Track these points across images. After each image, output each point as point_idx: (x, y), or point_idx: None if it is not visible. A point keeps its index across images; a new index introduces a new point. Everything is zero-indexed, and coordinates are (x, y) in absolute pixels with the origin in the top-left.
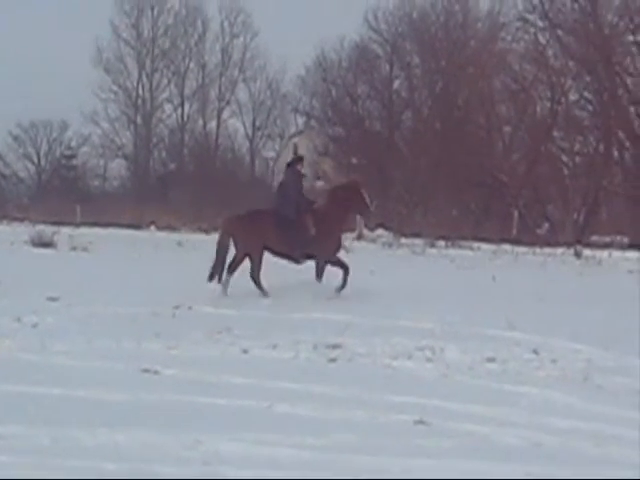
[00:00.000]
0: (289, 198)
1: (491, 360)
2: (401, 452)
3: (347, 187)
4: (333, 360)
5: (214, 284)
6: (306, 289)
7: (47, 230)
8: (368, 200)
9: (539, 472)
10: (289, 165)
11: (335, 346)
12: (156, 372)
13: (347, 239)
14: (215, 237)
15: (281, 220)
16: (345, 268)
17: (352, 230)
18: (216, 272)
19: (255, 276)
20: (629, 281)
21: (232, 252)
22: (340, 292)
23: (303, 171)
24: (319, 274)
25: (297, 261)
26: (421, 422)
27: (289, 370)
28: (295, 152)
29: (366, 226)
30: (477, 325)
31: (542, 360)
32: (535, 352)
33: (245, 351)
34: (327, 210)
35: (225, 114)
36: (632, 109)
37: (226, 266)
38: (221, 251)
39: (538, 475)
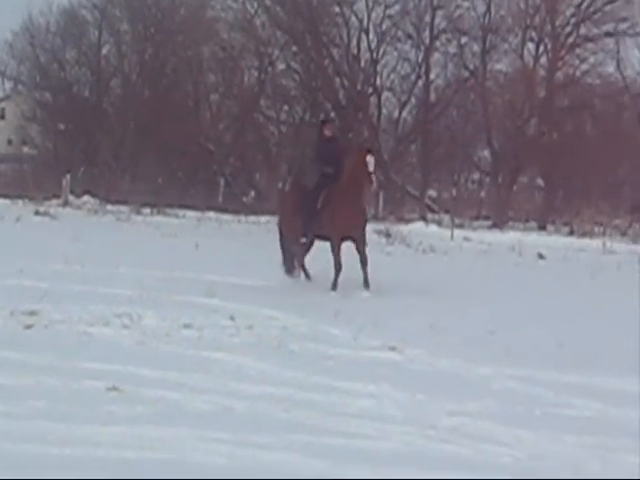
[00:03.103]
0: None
1: (188, 326)
2: (92, 419)
3: (353, 156)
4: (29, 327)
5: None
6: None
7: None
8: (371, 170)
9: (230, 438)
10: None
11: (32, 313)
12: None
13: (52, 206)
14: None
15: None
16: (337, 266)
17: None
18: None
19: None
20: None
21: None
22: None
23: (328, 134)
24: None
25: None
26: (114, 389)
27: None
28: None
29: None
30: (177, 292)
31: (238, 327)
32: (232, 319)
33: None
34: (339, 183)
35: None
36: (338, 80)
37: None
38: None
39: (229, 440)
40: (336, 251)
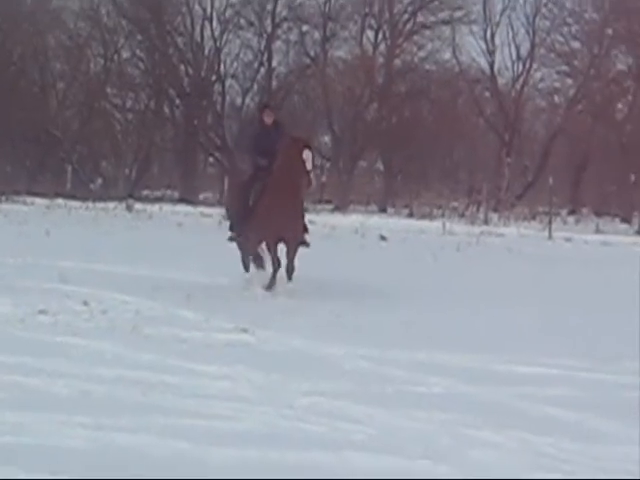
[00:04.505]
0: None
1: (43, 312)
2: None
3: (287, 149)
4: None
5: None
6: None
7: None
8: (309, 168)
9: (89, 422)
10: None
11: None
12: None
13: None
14: None
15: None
16: (274, 264)
17: None
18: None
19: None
20: (178, 233)
21: None
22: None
23: (267, 121)
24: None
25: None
26: None
27: None
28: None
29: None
30: (30, 278)
31: (92, 311)
32: (85, 304)
33: None
34: (272, 179)
35: None
36: (182, 67)
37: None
38: None
39: (88, 423)
40: (272, 251)
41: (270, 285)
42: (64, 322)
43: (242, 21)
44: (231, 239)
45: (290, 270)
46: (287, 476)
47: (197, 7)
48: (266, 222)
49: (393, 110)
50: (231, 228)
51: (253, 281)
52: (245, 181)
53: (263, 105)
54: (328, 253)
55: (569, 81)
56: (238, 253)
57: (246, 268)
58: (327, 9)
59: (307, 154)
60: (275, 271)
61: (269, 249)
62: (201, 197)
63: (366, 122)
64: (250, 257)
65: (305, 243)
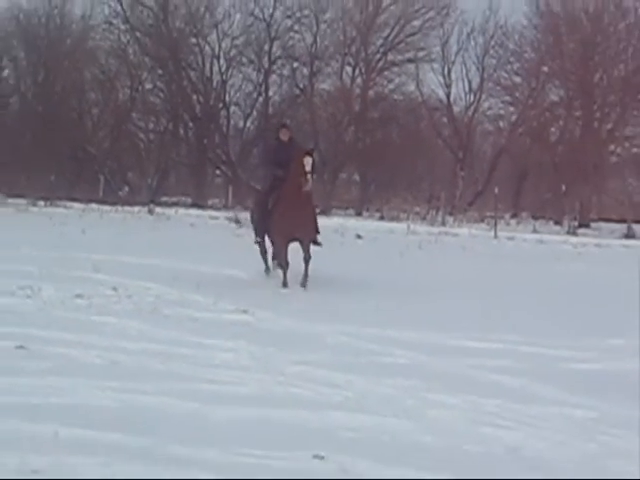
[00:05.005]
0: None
1: (79, 296)
2: (5, 373)
3: (295, 160)
4: None
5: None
6: None
7: None
8: (308, 170)
9: (117, 386)
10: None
11: None
12: None
13: None
14: None
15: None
16: (282, 263)
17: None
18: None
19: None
20: (191, 232)
21: None
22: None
23: (284, 138)
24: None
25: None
26: (22, 347)
27: None
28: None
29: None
30: (69, 269)
31: (120, 296)
32: (115, 289)
33: None
34: (285, 186)
35: None
36: (195, 97)
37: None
38: None
39: (117, 387)
40: (283, 252)
41: (284, 283)
42: (97, 304)
43: (244, 59)
44: (256, 242)
45: (307, 260)
46: (280, 430)
47: (207, 48)
48: (280, 225)
49: (367, 133)
50: (256, 233)
51: (259, 274)
52: (265, 190)
53: (281, 124)
54: (314, 249)
55: (511, 109)
56: (242, 251)
57: (266, 264)
58: (314, 49)
59: (307, 160)
60: (284, 270)
61: (280, 250)
62: (210, 202)
63: (345, 142)
64: (277, 257)
65: (317, 243)
